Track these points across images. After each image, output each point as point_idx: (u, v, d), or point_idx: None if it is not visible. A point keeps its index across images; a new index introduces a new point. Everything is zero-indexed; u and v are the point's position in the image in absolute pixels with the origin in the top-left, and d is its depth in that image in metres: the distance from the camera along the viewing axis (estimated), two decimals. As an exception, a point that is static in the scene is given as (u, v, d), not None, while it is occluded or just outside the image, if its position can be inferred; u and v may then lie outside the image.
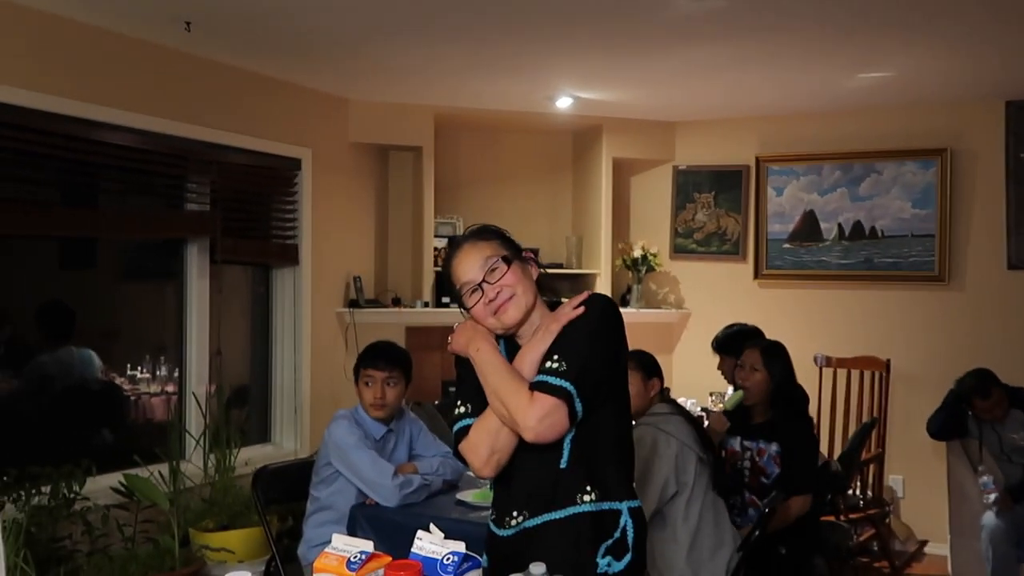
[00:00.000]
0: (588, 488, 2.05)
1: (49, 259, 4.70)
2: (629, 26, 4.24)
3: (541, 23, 4.20)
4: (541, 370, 2.01)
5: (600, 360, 2.05)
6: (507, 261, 2.09)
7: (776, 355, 3.92)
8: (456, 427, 2.14)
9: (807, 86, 5.41)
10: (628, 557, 2.04)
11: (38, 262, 4.60)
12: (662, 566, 3.14)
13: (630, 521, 2.06)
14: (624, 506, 2.07)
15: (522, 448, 2.07)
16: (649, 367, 3.48)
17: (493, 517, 2.20)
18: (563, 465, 2.06)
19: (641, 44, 4.55)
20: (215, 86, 4.84)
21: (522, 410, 1.96)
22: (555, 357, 2.01)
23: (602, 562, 2.02)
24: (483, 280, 2.09)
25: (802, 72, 5.10)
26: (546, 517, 2.07)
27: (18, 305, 4.42)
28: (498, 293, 2.08)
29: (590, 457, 2.06)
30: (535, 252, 2.06)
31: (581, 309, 2.06)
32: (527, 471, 2.09)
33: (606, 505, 2.05)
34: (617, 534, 2.04)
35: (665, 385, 3.59)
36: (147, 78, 4.45)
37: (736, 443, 3.91)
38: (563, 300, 2.17)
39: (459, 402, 2.16)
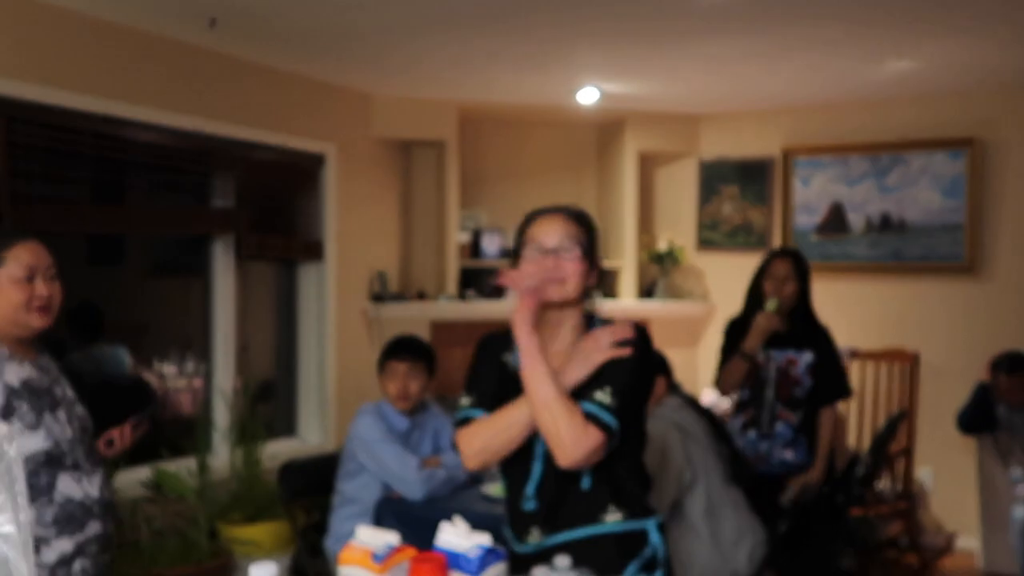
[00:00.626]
0: (613, 507, 2.07)
1: (77, 256, 4.75)
2: (653, 18, 4.22)
3: (565, 16, 4.18)
4: (592, 399, 1.99)
5: (640, 396, 2.09)
6: (585, 254, 2.10)
7: (804, 265, 3.94)
8: (460, 415, 2.16)
9: (833, 76, 5.36)
10: (659, 573, 2.09)
11: (66, 259, 4.64)
12: (684, 558, 3.12)
13: (659, 538, 2.11)
14: (651, 523, 2.11)
15: (537, 459, 2.09)
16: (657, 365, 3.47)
17: (510, 529, 2.19)
18: (585, 486, 2.07)
19: (665, 36, 4.52)
20: (240, 83, 4.87)
21: (574, 438, 1.94)
22: (608, 389, 2.00)
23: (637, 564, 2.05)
24: (555, 250, 2.07)
25: (828, 62, 5.05)
26: (569, 535, 2.08)
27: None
28: (557, 269, 2.06)
29: (613, 477, 2.08)
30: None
31: (627, 350, 2.04)
32: (546, 486, 2.10)
33: (634, 524, 2.08)
34: (647, 552, 2.08)
35: (677, 380, 3.57)
36: (173, 75, 4.48)
37: (760, 354, 3.84)
38: (597, 318, 2.17)
39: (465, 393, 2.18)
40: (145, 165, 4.41)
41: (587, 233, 2.14)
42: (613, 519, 2.06)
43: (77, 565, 2.23)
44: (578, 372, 2.03)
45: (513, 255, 2.17)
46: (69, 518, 2.20)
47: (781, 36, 4.52)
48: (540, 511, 2.10)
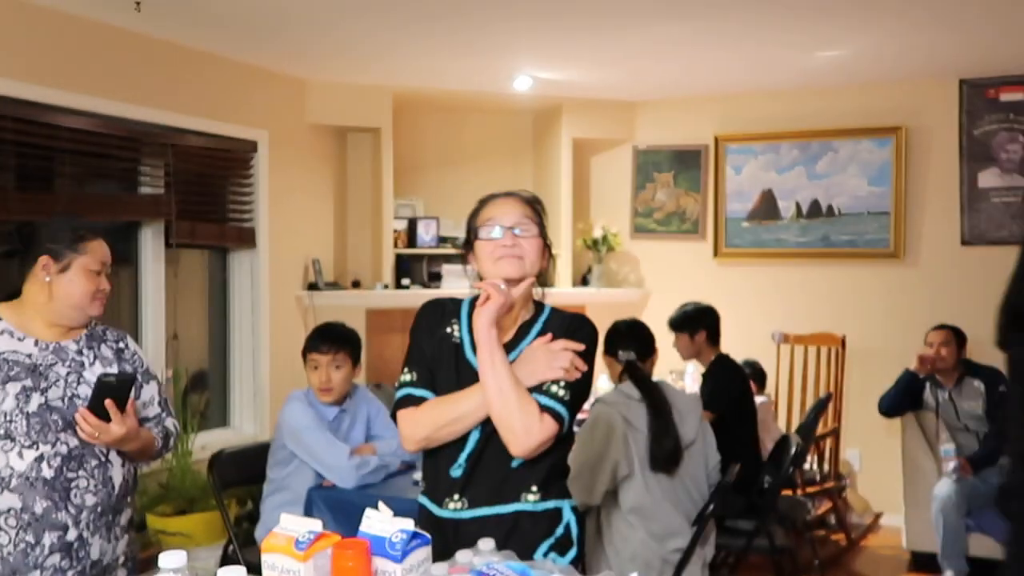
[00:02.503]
0: (534, 488, 2.12)
1: (2, 245, 4.64)
2: (588, 6, 4.24)
3: (500, 2, 4.18)
4: (547, 392, 2.06)
5: (586, 385, 2.15)
6: (541, 235, 2.17)
7: None
8: (400, 393, 2.17)
9: (765, 65, 5.44)
10: (573, 552, 2.15)
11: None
12: (619, 544, 3.15)
13: (573, 518, 2.17)
14: (566, 504, 2.17)
15: (475, 429, 2.11)
16: (610, 345, 3.48)
17: (426, 492, 2.23)
18: (515, 465, 2.12)
19: (599, 23, 4.54)
20: (169, 67, 4.78)
21: (528, 429, 2.02)
22: (562, 383, 2.07)
23: (547, 557, 2.08)
24: (513, 228, 2.13)
25: (760, 50, 5.13)
26: (488, 511, 2.13)
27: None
28: (515, 246, 2.12)
29: (541, 461, 2.12)
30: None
31: (581, 346, 2.12)
32: (478, 457, 2.13)
33: (549, 504, 2.14)
34: (560, 531, 2.14)
35: (629, 358, 3.50)
36: (99, 59, 4.39)
37: None
38: (545, 304, 2.24)
39: (406, 368, 2.18)
40: (71, 151, 4.31)
41: (540, 218, 2.21)
42: (532, 498, 2.12)
43: None
44: (543, 375, 2.08)
45: (466, 243, 2.21)
46: None
47: (713, 24, 4.58)
48: (464, 479, 2.13)
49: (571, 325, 2.19)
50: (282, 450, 3.43)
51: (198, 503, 4.13)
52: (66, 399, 2.33)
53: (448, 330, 2.20)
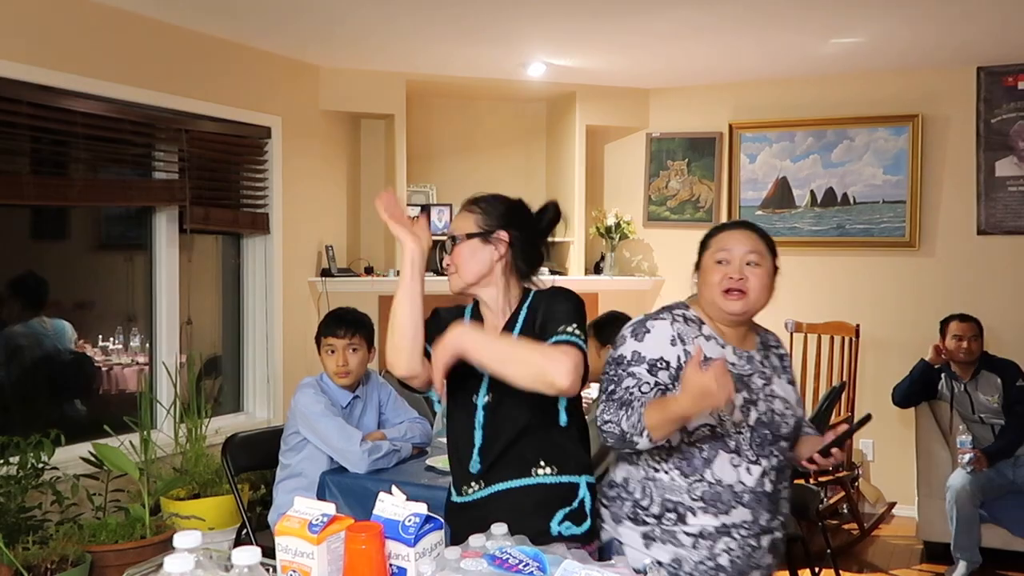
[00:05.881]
0: (543, 463, 2.25)
1: (20, 230, 4.66)
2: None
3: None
4: (564, 332, 2.14)
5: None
6: (454, 240, 2.30)
7: None
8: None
9: (780, 52, 5.41)
10: (587, 524, 2.26)
11: (9, 233, 4.55)
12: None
13: (588, 495, 2.27)
14: (582, 480, 2.28)
15: (478, 428, 2.27)
16: (607, 336, 3.46)
17: (453, 486, 2.39)
18: (518, 447, 2.26)
19: (615, 10, 4.52)
20: (184, 53, 4.78)
21: (554, 361, 2.05)
22: (573, 326, 2.15)
23: (560, 526, 2.22)
24: (447, 245, 2.34)
25: (775, 38, 5.10)
26: (502, 486, 2.27)
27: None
28: (448, 264, 2.32)
29: (541, 440, 2.26)
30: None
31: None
32: (487, 449, 2.27)
33: (564, 479, 2.25)
34: (576, 504, 2.25)
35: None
36: (114, 45, 4.39)
37: None
38: (531, 289, 2.33)
39: None
40: (86, 136, 4.32)
41: (479, 214, 2.31)
42: (543, 472, 2.24)
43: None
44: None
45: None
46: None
47: (729, 10, 4.55)
48: (483, 471, 2.28)
49: (553, 294, 2.27)
50: (295, 436, 3.44)
51: (211, 487, 4.15)
52: (768, 412, 2.25)
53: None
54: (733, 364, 2.24)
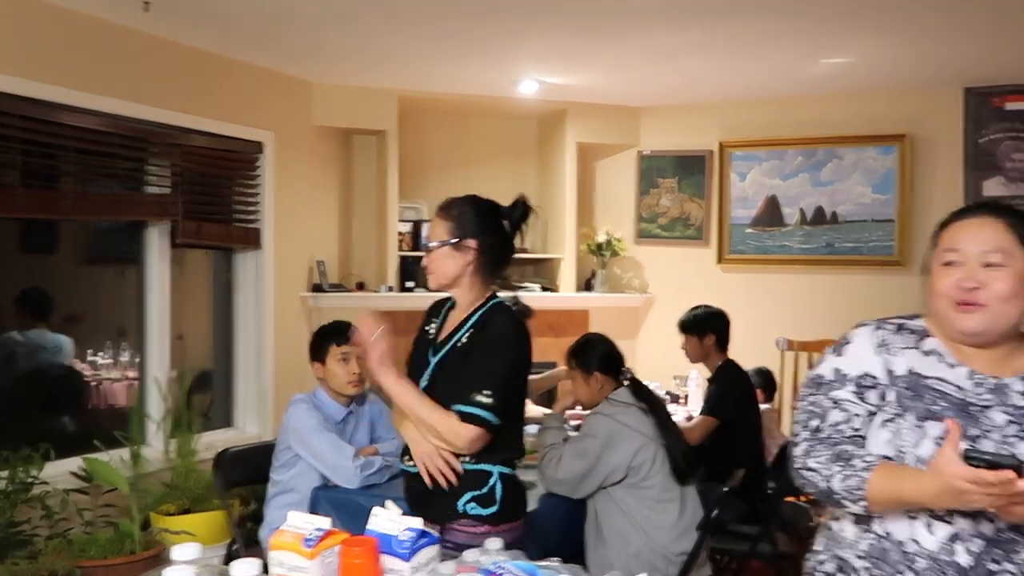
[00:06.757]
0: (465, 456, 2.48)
1: (10, 244, 4.66)
2: (593, 10, 4.25)
3: (506, 7, 4.19)
4: (471, 401, 2.40)
5: (518, 383, 2.54)
6: (428, 249, 2.57)
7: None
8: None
9: (770, 71, 5.45)
10: (494, 508, 2.47)
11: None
12: (619, 545, 3.16)
13: (500, 482, 2.48)
14: (496, 469, 2.49)
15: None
16: (587, 363, 3.46)
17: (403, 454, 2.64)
18: None
19: (605, 28, 4.55)
20: (177, 67, 4.79)
21: (453, 434, 2.42)
22: (487, 392, 2.40)
23: (466, 506, 2.45)
24: (425, 248, 2.62)
25: (765, 57, 5.14)
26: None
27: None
28: (425, 266, 2.59)
29: None
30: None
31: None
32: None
33: (478, 466, 2.47)
34: (485, 489, 2.47)
35: (627, 368, 3.57)
36: (107, 59, 4.40)
37: None
38: (499, 297, 2.59)
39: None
40: (78, 150, 4.31)
41: (452, 221, 2.55)
42: (462, 459, 2.47)
43: None
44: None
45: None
46: None
47: (719, 31, 4.59)
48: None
49: (491, 336, 2.49)
50: (286, 452, 3.44)
51: (201, 502, 4.13)
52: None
53: (427, 327, 2.66)
54: (960, 387, 1.76)
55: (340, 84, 5.79)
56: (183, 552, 1.40)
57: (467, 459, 2.47)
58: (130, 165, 4.68)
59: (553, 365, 5.60)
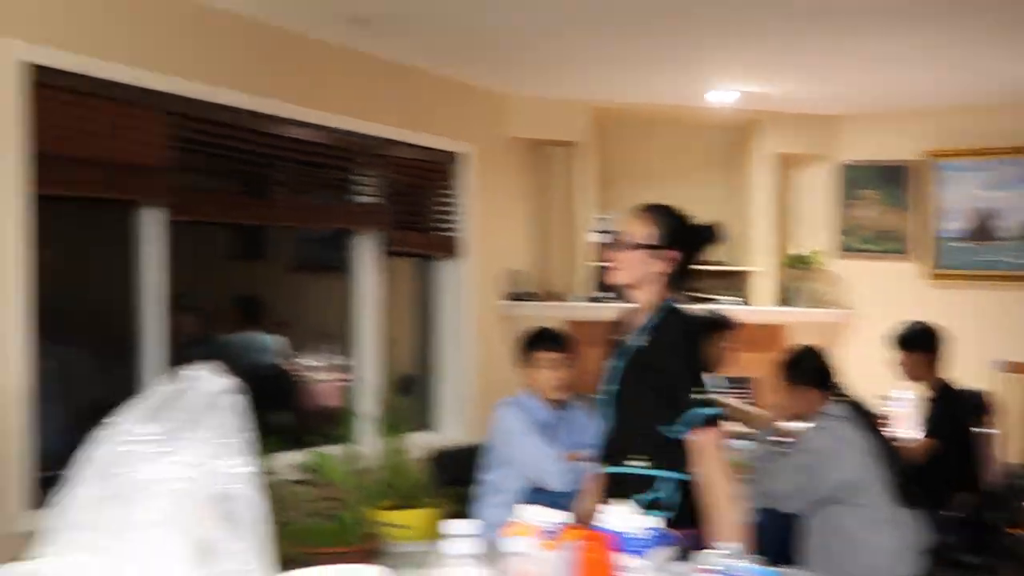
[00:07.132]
0: (632, 456, 2.54)
1: (220, 251, 5.01)
2: (791, 17, 4.17)
3: (700, 15, 4.18)
4: (694, 404, 2.44)
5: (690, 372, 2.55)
6: (630, 246, 2.54)
7: None
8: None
9: (979, 77, 5.17)
10: (661, 513, 2.40)
11: (211, 253, 4.89)
12: (836, 565, 3.09)
13: (668, 487, 2.49)
14: (665, 474, 2.49)
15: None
16: (800, 376, 3.44)
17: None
18: (614, 440, 2.66)
19: (803, 36, 4.47)
20: (382, 82, 5.00)
21: (722, 478, 2.43)
22: (695, 390, 2.45)
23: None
24: (615, 242, 2.61)
25: (973, 62, 4.89)
26: (607, 469, 2.67)
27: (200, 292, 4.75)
28: (613, 260, 2.60)
29: (626, 437, 2.61)
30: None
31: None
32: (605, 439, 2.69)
33: (648, 472, 2.51)
34: (651, 494, 2.47)
35: (838, 382, 3.49)
36: (319, 74, 4.63)
37: None
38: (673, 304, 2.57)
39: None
40: (292, 160, 4.56)
41: (654, 226, 2.56)
42: (632, 464, 2.53)
43: None
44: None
45: None
46: None
47: (925, 35, 4.42)
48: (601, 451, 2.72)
49: (674, 342, 2.52)
50: (495, 453, 3.53)
51: (412, 500, 4.27)
52: None
53: (618, 336, 2.69)
54: None
55: (535, 96, 5.89)
56: (458, 527, 1.51)
57: (637, 463, 2.52)
58: (338, 176, 4.89)
59: (748, 381, 5.51)
